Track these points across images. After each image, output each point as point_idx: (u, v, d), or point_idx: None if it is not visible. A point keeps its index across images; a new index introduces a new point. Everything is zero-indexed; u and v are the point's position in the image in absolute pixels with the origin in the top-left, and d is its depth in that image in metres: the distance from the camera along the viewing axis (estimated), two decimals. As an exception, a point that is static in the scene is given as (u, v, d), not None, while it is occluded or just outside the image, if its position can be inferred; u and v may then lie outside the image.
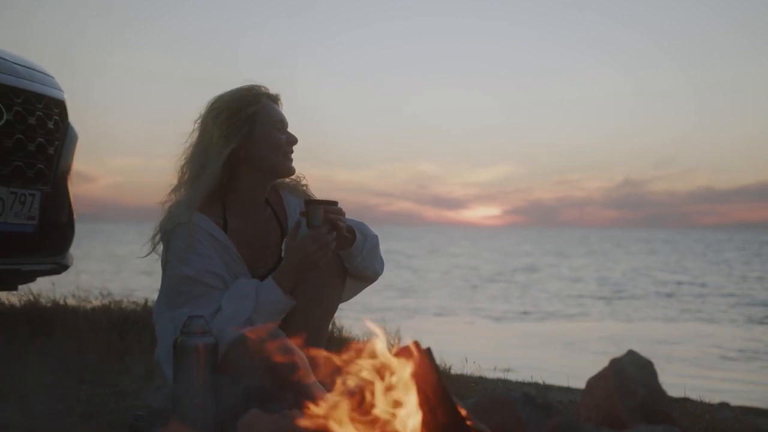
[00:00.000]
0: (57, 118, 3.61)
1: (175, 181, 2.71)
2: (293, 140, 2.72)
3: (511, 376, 4.77)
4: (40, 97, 3.50)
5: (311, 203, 2.60)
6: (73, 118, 3.80)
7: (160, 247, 2.66)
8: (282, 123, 2.71)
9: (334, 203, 2.61)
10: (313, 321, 2.68)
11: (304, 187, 2.88)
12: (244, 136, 2.64)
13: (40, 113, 3.49)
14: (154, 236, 2.66)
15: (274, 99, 2.75)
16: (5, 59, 3.44)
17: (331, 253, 2.60)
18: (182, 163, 2.70)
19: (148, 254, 2.66)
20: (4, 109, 3.27)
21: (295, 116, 2.77)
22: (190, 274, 2.55)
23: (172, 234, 2.60)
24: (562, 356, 9.97)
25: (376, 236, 2.79)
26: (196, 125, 2.70)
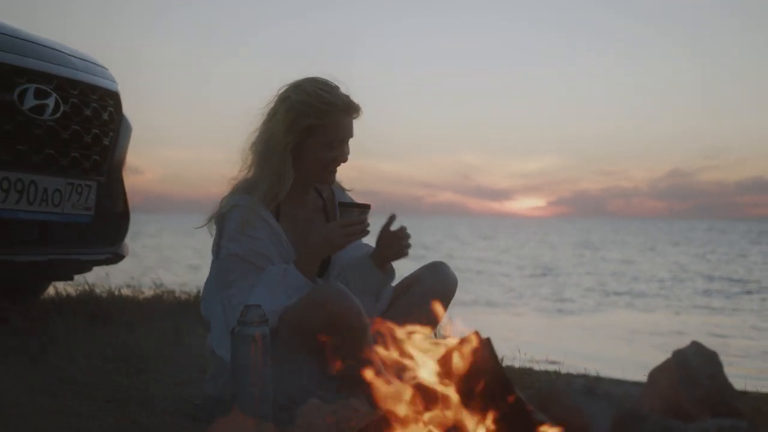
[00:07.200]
0: (112, 109, 3.65)
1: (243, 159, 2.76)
2: (341, 160, 2.73)
3: (557, 368, 4.72)
4: (95, 89, 3.54)
5: (344, 206, 2.68)
6: (126, 109, 3.84)
7: (214, 228, 2.72)
8: (339, 141, 2.69)
9: (367, 207, 2.66)
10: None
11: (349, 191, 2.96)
12: (299, 142, 2.66)
13: (96, 105, 3.53)
14: (212, 216, 2.71)
15: (350, 111, 2.70)
16: (61, 51, 3.49)
17: (358, 239, 2.66)
18: (253, 137, 2.74)
19: (203, 225, 2.72)
20: (60, 101, 3.32)
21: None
22: (240, 253, 2.60)
23: (226, 217, 2.65)
24: (609, 348, 9.88)
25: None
26: (276, 97, 2.72)
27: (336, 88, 2.70)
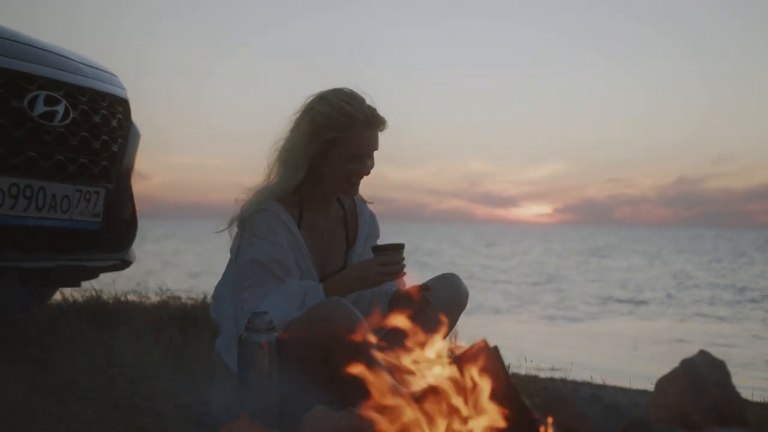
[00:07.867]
0: (120, 116, 3.67)
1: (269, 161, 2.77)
2: (364, 173, 2.74)
3: (562, 375, 4.72)
4: (104, 96, 3.56)
5: (378, 249, 2.66)
6: (135, 116, 3.86)
7: (235, 230, 2.74)
8: (361, 154, 2.69)
9: (401, 246, 2.65)
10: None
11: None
12: (320, 155, 2.67)
13: (105, 112, 3.55)
14: (233, 219, 2.73)
15: (373, 124, 2.70)
16: (71, 59, 3.51)
17: (394, 279, 2.66)
18: (279, 144, 2.75)
19: (223, 230, 2.75)
20: (70, 108, 3.33)
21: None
22: (259, 258, 2.60)
23: (249, 221, 2.66)
24: (614, 356, 9.86)
25: None
26: (302, 107, 2.72)
27: (361, 100, 2.69)
